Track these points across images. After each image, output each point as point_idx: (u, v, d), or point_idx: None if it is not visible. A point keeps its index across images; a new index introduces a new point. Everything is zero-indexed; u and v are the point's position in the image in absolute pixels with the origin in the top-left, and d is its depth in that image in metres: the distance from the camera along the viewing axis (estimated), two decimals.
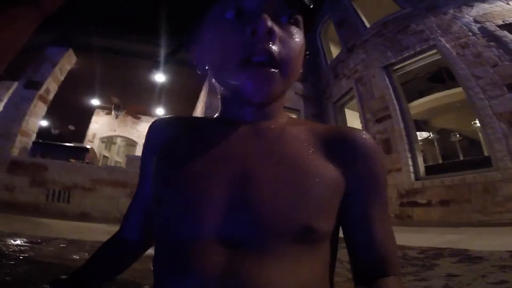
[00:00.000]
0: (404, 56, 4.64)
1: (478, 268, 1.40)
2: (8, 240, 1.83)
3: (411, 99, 5.66)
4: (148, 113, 9.98)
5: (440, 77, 5.78)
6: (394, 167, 4.26)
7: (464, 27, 3.94)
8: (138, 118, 9.99)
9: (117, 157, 10.34)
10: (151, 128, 0.53)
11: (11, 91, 5.21)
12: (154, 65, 6.23)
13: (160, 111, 9.76)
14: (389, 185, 4.17)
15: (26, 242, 1.87)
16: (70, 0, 2.59)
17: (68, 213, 4.31)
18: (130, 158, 5.53)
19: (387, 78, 4.81)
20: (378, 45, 5.11)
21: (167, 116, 0.54)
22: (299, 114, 6.34)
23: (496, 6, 3.84)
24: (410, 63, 4.72)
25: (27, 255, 1.51)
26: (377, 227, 0.41)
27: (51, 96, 5.40)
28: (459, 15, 4.10)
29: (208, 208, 0.37)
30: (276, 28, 0.38)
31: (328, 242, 0.41)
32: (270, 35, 0.37)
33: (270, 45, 0.38)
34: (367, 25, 5.63)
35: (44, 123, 8.49)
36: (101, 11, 5.72)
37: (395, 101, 4.63)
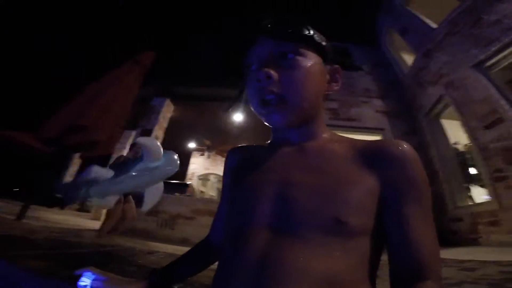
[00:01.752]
0: (492, 50, 3.92)
1: None
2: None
3: None
4: None
5: None
6: None
7: None
8: (225, 155, 11.06)
9: (211, 192, 11.50)
10: (227, 157, 0.70)
11: (131, 139, 6.60)
12: (230, 109, 6.97)
13: None
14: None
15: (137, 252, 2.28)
16: (164, 56, 3.28)
17: (172, 238, 4.98)
18: (221, 191, 6.09)
19: (484, 77, 4.08)
20: (457, 44, 4.50)
21: (238, 146, 0.71)
22: (385, 134, 5.76)
23: None
24: (504, 57, 3.92)
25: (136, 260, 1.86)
26: (413, 228, 0.44)
27: (159, 141, 6.63)
28: None
29: (261, 205, 0.49)
30: (273, 72, 0.50)
31: (366, 239, 0.45)
32: (270, 79, 0.50)
33: (272, 86, 0.50)
34: (434, 26, 5.08)
35: None
36: (188, 64, 6.89)
37: (503, 101, 3.83)
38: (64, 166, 7.99)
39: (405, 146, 0.48)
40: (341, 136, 0.58)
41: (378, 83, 6.51)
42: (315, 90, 0.53)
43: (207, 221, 5.12)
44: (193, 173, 11.19)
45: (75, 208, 9.71)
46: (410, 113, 5.96)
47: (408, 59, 6.19)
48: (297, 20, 0.54)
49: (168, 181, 7.27)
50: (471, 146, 4.41)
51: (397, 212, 0.45)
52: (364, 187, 0.46)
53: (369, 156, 0.49)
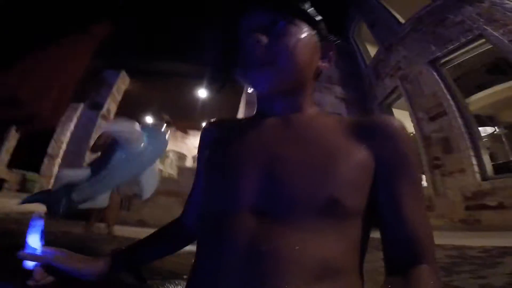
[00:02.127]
0: (449, 49, 4.26)
1: None
2: None
3: (468, 93, 5.12)
4: (195, 127, 10.64)
5: (499, 67, 5.13)
6: (456, 168, 3.85)
7: (509, 13, 3.51)
8: (187, 132, 10.70)
9: (170, 170, 11.14)
10: (203, 131, 0.63)
11: (78, 112, 6.02)
12: (205, 83, 6.72)
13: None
14: (451, 187, 3.83)
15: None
16: (119, 27, 2.97)
17: (127, 220, 4.76)
18: (181, 169, 5.94)
19: (435, 73, 4.45)
20: (418, 41, 4.79)
21: (214, 121, 0.64)
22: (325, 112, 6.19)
23: None
24: (458, 56, 4.31)
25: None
26: (406, 206, 0.41)
27: (112, 116, 6.14)
28: (498, 1, 3.69)
29: (244, 184, 0.43)
30: (262, 37, 0.47)
31: (358, 222, 0.41)
32: (258, 43, 0.47)
33: (261, 50, 0.47)
34: (402, 21, 5.34)
35: None
36: (147, 36, 6.37)
37: (449, 97, 4.26)
38: None
39: (398, 122, 0.47)
40: (329, 113, 0.56)
41: (341, 71, 6.70)
42: (304, 59, 0.50)
43: (166, 201, 4.98)
44: None
45: (15, 189, 8.72)
46: (365, 101, 6.36)
47: (372, 51, 6.46)
48: None
49: None
50: (414, 135, 4.84)
51: (392, 190, 0.42)
52: (358, 162, 0.42)
53: (361, 130, 0.46)
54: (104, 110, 5.77)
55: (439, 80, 4.40)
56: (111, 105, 6.02)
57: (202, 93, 7.47)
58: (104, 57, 5.62)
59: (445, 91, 4.31)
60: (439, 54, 4.41)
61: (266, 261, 0.36)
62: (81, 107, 5.94)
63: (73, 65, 2.65)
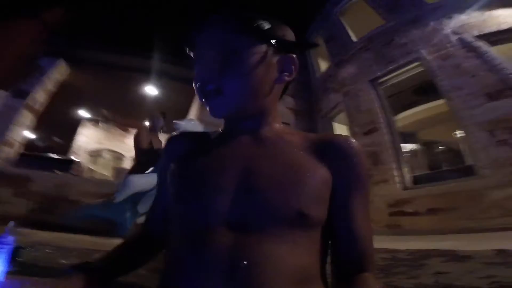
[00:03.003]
0: (389, 69, 4.80)
1: (465, 265, 1.45)
2: None
3: (397, 112, 5.82)
4: (136, 126, 9.88)
5: (424, 89, 6.03)
6: (382, 178, 4.34)
7: (444, 38, 4.14)
8: (127, 130, 9.87)
9: (103, 170, 10.07)
10: (169, 142, 0.62)
11: (1, 100, 5.07)
12: (147, 78, 6.30)
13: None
14: (377, 195, 4.24)
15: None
16: (68, 14, 2.63)
17: (51, 225, 4.13)
18: (118, 170, 5.42)
19: (373, 92, 4.97)
20: (365, 59, 5.30)
21: (179, 133, 0.64)
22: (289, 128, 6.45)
23: (473, 17, 4.07)
24: (395, 76, 4.89)
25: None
26: (357, 222, 0.46)
27: (39, 107, 5.30)
28: (439, 27, 4.30)
29: (217, 198, 0.44)
30: (209, 67, 0.49)
31: (321, 232, 0.46)
32: (205, 73, 0.50)
33: (208, 79, 0.50)
34: (354, 39, 5.84)
35: (31, 135, 8.26)
36: (95, 25, 5.78)
37: (381, 114, 4.77)
38: None
39: (354, 142, 0.52)
40: (293, 129, 0.60)
41: (295, 83, 6.98)
42: (256, 83, 0.51)
43: None
44: (80, 146, 9.48)
45: None
46: (311, 113, 6.79)
47: (323, 65, 6.94)
48: (245, 12, 0.53)
49: (46, 155, 5.99)
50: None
51: (345, 205, 0.47)
52: (320, 177, 0.46)
53: (322, 148, 0.50)
54: (30, 100, 4.95)
55: (376, 98, 4.93)
56: (39, 94, 5.19)
57: (150, 90, 7.00)
58: (46, 44, 4.88)
59: (379, 109, 4.83)
60: (379, 73, 4.95)
61: (247, 274, 0.37)
62: (3, 94, 5.00)
63: (5, 53, 2.24)
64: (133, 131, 10.18)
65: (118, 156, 10.23)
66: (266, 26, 0.51)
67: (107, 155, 10.54)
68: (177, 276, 0.41)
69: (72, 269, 0.47)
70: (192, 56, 0.55)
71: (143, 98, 7.41)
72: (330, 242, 0.48)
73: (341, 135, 0.53)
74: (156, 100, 7.46)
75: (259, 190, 0.43)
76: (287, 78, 0.55)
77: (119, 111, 8.42)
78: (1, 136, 4.64)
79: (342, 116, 5.79)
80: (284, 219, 0.41)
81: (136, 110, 8.28)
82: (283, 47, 0.54)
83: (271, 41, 0.52)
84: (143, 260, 0.59)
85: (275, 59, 0.53)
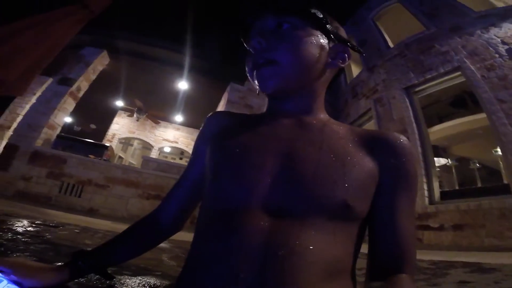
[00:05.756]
0: (426, 77, 4.57)
1: (491, 276, 1.36)
2: (22, 221, 1.92)
3: (431, 123, 5.53)
4: (167, 119, 10.27)
5: (462, 102, 5.67)
6: None
7: (491, 48, 3.88)
8: (158, 123, 10.28)
9: (131, 159, 10.59)
10: (209, 119, 0.63)
11: (45, 86, 5.50)
12: (180, 73, 6.51)
13: (179, 118, 10.02)
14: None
15: (41, 225, 1.94)
16: (114, 4, 2.78)
17: (76, 208, 4.41)
18: (146, 160, 5.65)
19: (407, 100, 4.76)
20: (400, 66, 5.09)
21: (222, 111, 0.65)
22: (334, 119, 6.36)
23: None
24: (432, 85, 4.65)
25: (42, 236, 1.58)
26: (401, 221, 0.45)
27: (81, 94, 5.68)
28: (486, 36, 4.04)
29: (257, 178, 0.43)
30: (264, 39, 0.51)
31: (360, 225, 0.45)
32: (261, 45, 0.51)
33: (263, 52, 0.51)
34: (391, 45, 5.64)
35: (68, 119, 8.89)
36: (137, 18, 6.07)
37: (414, 125, 4.55)
38: None
39: (406, 140, 0.50)
40: (338, 121, 0.58)
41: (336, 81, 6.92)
42: (307, 58, 0.52)
43: (123, 191, 4.71)
44: (114, 134, 10.04)
45: None
46: (338, 119, 6.59)
47: (355, 70, 6.77)
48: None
49: (82, 139, 6.40)
50: None
51: (390, 202, 0.46)
52: (368, 172, 0.45)
53: (370, 142, 0.49)
54: (74, 87, 5.32)
55: (409, 107, 4.70)
56: (82, 83, 5.56)
57: (182, 85, 7.23)
58: (87, 34, 5.23)
59: (412, 118, 4.60)
60: (415, 81, 4.73)
61: (283, 259, 0.36)
62: (48, 81, 5.43)
63: (56, 38, 2.42)
64: (163, 123, 10.63)
65: (147, 146, 10.69)
66: (321, 15, 0.54)
67: (136, 144, 11.07)
68: (201, 259, 0.40)
69: (72, 258, 0.50)
70: (245, 36, 0.58)
71: (175, 92, 7.67)
72: (370, 238, 0.46)
73: (391, 132, 0.52)
74: (187, 94, 7.70)
75: (304, 176, 0.42)
76: (340, 64, 0.56)
77: (152, 103, 8.78)
78: (46, 118, 5.02)
79: (371, 123, 5.59)
80: (328, 209, 0.40)
81: (167, 104, 8.61)
82: (335, 38, 0.56)
83: (326, 28, 0.55)
84: (149, 245, 0.59)
85: (328, 45, 0.55)
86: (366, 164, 0.46)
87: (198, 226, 0.47)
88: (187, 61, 6.20)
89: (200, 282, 0.37)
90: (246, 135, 0.51)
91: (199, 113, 8.57)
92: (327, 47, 0.55)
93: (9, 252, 0.83)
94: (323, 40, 0.54)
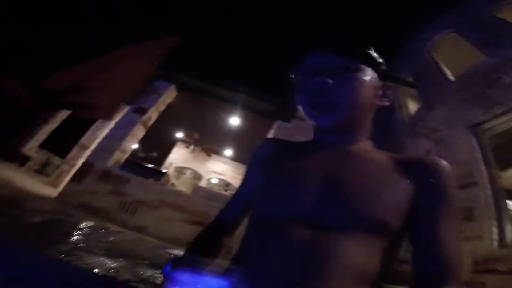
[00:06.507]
0: (494, 113, 4.11)
1: None
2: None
3: (505, 165, 4.90)
4: (218, 152, 10.88)
5: None
6: (474, 234, 3.60)
7: None
8: (210, 155, 10.93)
9: (183, 187, 11.20)
10: (262, 143, 0.73)
11: (122, 113, 6.38)
12: (233, 109, 7.02)
13: (227, 152, 10.54)
14: (464, 253, 3.50)
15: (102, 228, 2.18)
16: (184, 42, 3.27)
17: (129, 223, 4.73)
18: (197, 188, 5.97)
19: (474, 139, 4.28)
20: (464, 101, 4.69)
21: (272, 137, 0.77)
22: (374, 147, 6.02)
23: None
24: (502, 122, 4.14)
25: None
26: (442, 237, 0.48)
27: (150, 123, 6.44)
28: None
29: (301, 196, 0.51)
30: (327, 80, 0.55)
31: (395, 237, 0.49)
32: (327, 85, 0.55)
33: (328, 92, 0.55)
34: (451, 78, 5.28)
35: (135, 146, 10.00)
36: (200, 57, 6.90)
37: (483, 167, 4.04)
38: (43, 120, 7.51)
39: (444, 163, 0.54)
40: (379, 149, 0.63)
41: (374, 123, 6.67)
42: (366, 102, 0.57)
43: (170, 214, 4.95)
44: (171, 163, 10.89)
45: (35, 169, 9.12)
46: None
47: (411, 106, 6.46)
48: (355, 39, 0.59)
49: (144, 164, 7.08)
50: None
51: (430, 219, 0.49)
52: (403, 193, 0.50)
53: (408, 166, 0.54)
54: (145, 116, 6.07)
55: (477, 148, 4.21)
56: (153, 113, 6.34)
57: (234, 120, 7.73)
58: (159, 67, 6.09)
59: (480, 161, 4.10)
60: (482, 118, 4.27)
61: (317, 263, 0.42)
62: (125, 108, 6.30)
63: (139, 70, 2.92)
64: (214, 156, 11.25)
65: (197, 176, 11.28)
66: (380, 59, 0.61)
67: (188, 173, 11.78)
68: (248, 259, 0.48)
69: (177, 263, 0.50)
70: (297, 79, 0.61)
71: (227, 127, 8.22)
72: (413, 256, 0.50)
73: (429, 157, 0.58)
74: (236, 130, 8.17)
75: (343, 194, 0.49)
76: (386, 103, 0.63)
77: (207, 137, 9.47)
78: (120, 143, 5.75)
79: None
80: (365, 224, 0.46)
81: (220, 138, 9.21)
82: (385, 77, 0.63)
83: (380, 69, 0.61)
84: (218, 246, 0.63)
85: (379, 84, 0.61)
86: (400, 185, 0.51)
87: (247, 231, 0.56)
88: (241, 98, 6.69)
89: (249, 273, 0.44)
90: (294, 160, 0.59)
91: (245, 149, 8.93)
92: (377, 86, 0.61)
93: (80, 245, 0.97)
94: (377, 81, 0.60)
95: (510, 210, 4.22)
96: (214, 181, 11.52)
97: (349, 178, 0.51)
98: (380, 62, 0.61)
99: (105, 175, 5.25)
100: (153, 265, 1.87)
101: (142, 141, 9.73)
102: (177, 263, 0.50)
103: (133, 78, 3.06)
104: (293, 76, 0.63)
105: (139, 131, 6.22)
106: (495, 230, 3.47)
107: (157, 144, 10.68)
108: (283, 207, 0.50)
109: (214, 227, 0.68)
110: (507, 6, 5.32)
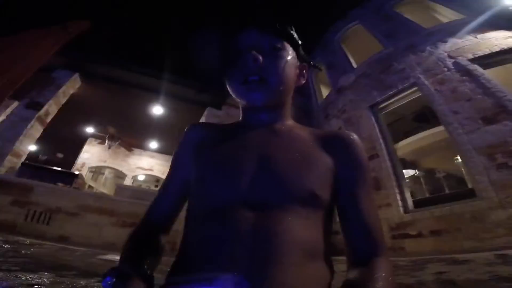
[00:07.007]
0: (387, 95, 4.88)
1: (465, 266, 1.46)
2: None
3: (398, 139, 5.86)
4: (141, 146, 10.03)
5: (424, 116, 6.07)
6: (384, 202, 4.31)
7: (440, 63, 4.25)
8: (131, 150, 9.98)
9: (102, 188, 10.01)
10: (189, 129, 0.69)
11: (9, 109, 5.22)
12: (155, 98, 6.50)
13: (153, 145, 9.82)
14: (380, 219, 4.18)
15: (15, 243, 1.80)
16: (93, 28, 2.85)
17: (46, 235, 4.09)
18: (120, 188, 5.45)
19: (373, 118, 5.04)
20: (364, 86, 5.43)
21: (200, 122, 0.74)
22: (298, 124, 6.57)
23: (467, 40, 4.23)
24: (393, 102, 4.97)
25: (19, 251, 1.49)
26: (366, 207, 0.53)
27: (49, 119, 5.45)
28: (435, 51, 4.44)
29: (240, 180, 0.51)
30: (260, 56, 0.56)
31: (328, 212, 0.53)
32: (256, 62, 0.56)
33: (258, 69, 0.57)
34: (355, 65, 6.03)
35: (33, 147, 8.36)
36: (112, 42, 6.11)
37: (381, 141, 4.80)
38: None
39: (355, 136, 0.61)
40: (301, 125, 0.68)
41: (295, 107, 7.20)
42: (290, 80, 0.61)
43: (95, 219, 4.49)
44: (84, 164, 9.54)
45: None
46: None
47: (325, 92, 7.13)
48: (282, 19, 0.62)
49: (49, 167, 6.03)
50: None
51: (352, 191, 0.55)
52: (327, 166, 0.55)
53: (327, 141, 0.60)
54: (42, 112, 5.10)
55: (375, 125, 4.98)
56: (52, 107, 5.35)
57: (157, 110, 7.20)
58: (59, 55, 5.16)
59: (379, 135, 4.86)
60: (378, 99, 5.04)
61: (269, 241, 0.43)
62: (14, 104, 5.17)
63: (33, 58, 2.40)
64: (137, 150, 10.33)
65: (119, 175, 10.24)
66: (297, 36, 0.65)
67: (108, 173, 10.56)
68: (198, 249, 0.47)
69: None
70: (235, 54, 0.61)
71: (150, 118, 7.60)
72: (342, 226, 0.54)
73: (343, 131, 0.63)
74: (161, 120, 7.64)
75: (278, 173, 0.51)
76: (302, 82, 0.69)
77: (125, 130, 8.57)
78: (11, 145, 4.73)
79: None
80: (300, 198, 0.49)
81: (142, 130, 8.46)
82: (304, 58, 0.68)
83: (298, 50, 0.65)
84: (156, 246, 0.56)
85: (297, 64, 0.65)
86: (324, 159, 0.56)
87: (188, 223, 0.54)
88: (163, 86, 6.24)
89: (199, 265, 0.44)
90: (225, 143, 0.59)
91: (175, 139, 8.49)
92: (298, 66, 0.66)
93: None
94: (297, 61, 0.65)
95: (407, 178, 5.17)
96: (141, 178, 10.64)
97: (279, 156, 0.54)
98: (300, 44, 0.65)
99: (0, 185, 4.28)
100: (86, 274, 1.64)
101: (42, 141, 8.22)
102: (117, 273, 0.43)
103: (22, 67, 2.51)
104: (223, 53, 0.64)
105: (35, 130, 5.25)
106: (398, 197, 4.20)
107: (63, 143, 9.17)
108: (223, 194, 0.50)
109: (146, 225, 0.61)
110: (405, 1, 6.26)
